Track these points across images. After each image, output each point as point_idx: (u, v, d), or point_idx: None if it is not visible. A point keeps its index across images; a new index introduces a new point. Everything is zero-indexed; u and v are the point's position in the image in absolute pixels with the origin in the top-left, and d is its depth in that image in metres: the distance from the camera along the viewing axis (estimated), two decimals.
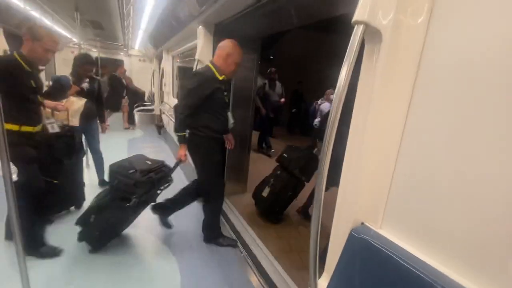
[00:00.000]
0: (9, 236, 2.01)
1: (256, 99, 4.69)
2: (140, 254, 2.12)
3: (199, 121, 2.03)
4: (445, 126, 0.69)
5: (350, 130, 0.90)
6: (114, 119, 6.61)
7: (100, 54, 9.05)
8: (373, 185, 0.84)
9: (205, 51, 2.71)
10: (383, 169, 0.82)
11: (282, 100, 5.19)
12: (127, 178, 1.95)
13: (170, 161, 2.27)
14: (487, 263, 0.62)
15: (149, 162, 2.13)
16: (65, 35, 8.45)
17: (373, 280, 0.78)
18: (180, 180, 2.82)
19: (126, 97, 6.58)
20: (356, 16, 0.76)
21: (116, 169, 2.02)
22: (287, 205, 2.72)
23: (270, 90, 4.98)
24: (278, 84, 5.08)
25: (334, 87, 0.80)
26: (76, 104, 2.50)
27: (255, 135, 4.37)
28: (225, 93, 2.08)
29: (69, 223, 2.29)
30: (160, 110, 6.51)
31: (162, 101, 6.62)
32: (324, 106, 4.45)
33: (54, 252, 1.97)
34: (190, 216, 2.57)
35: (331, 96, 3.67)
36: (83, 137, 2.85)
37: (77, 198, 2.60)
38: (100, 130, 3.11)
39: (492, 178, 0.61)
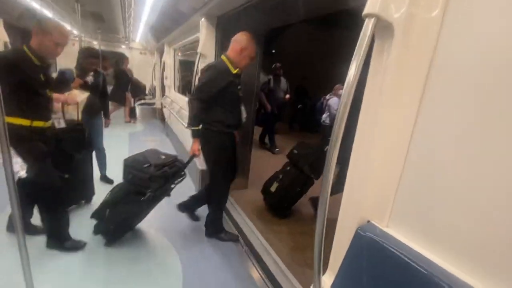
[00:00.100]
0: (10, 228, 2.02)
1: (261, 95, 4.60)
2: (143, 247, 2.13)
3: (213, 115, 2.01)
4: (458, 126, 0.67)
5: (358, 127, 0.88)
6: (115, 112, 6.59)
7: (101, 47, 8.98)
8: (380, 183, 0.83)
9: (207, 45, 2.68)
10: (391, 167, 0.81)
11: (287, 96, 5.02)
12: (142, 173, 1.95)
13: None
14: (495, 263, 0.61)
15: (163, 157, 2.12)
16: (65, 27, 8.36)
17: (378, 278, 0.78)
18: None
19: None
20: (367, 9, 0.73)
21: (131, 163, 2.02)
22: (295, 201, 2.71)
23: (275, 86, 4.82)
24: (283, 80, 4.91)
25: (342, 82, 0.77)
26: (78, 97, 2.48)
27: (257, 131, 4.33)
28: (239, 87, 2.05)
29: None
30: (161, 103, 6.47)
31: (163, 94, 6.58)
32: (333, 101, 4.20)
33: (78, 246, 1.99)
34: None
35: (340, 92, 3.58)
36: None
37: (87, 192, 2.61)
38: (103, 125, 3.08)
39: (502, 178, 0.60)
